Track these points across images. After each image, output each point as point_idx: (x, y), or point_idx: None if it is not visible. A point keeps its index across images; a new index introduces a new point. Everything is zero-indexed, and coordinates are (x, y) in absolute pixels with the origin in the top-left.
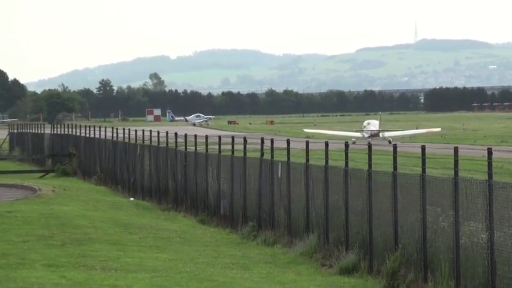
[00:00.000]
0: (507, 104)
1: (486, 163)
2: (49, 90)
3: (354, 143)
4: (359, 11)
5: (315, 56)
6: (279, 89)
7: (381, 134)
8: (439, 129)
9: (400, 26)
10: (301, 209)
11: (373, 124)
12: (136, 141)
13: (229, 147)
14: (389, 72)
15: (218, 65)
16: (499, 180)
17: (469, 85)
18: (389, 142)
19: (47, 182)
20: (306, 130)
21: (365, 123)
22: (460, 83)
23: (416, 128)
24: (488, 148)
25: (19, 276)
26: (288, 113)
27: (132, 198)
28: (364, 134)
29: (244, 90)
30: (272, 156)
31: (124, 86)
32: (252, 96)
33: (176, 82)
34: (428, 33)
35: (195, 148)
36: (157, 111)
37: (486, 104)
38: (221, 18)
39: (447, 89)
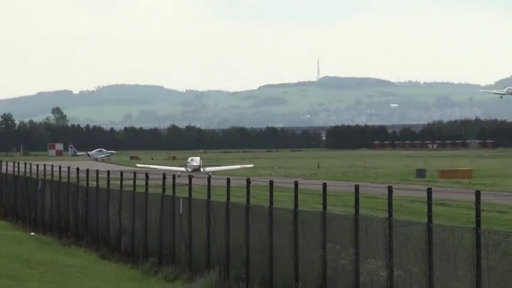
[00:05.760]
0: (408, 142)
1: (387, 201)
2: None
3: (179, 176)
4: (262, 48)
5: (218, 93)
6: (182, 124)
7: (201, 169)
8: (252, 165)
9: (302, 63)
10: (203, 245)
11: (195, 160)
12: (37, 176)
13: (131, 182)
14: (292, 110)
15: (121, 100)
16: (399, 219)
17: (370, 123)
18: (210, 176)
19: None
20: (138, 165)
21: (189, 159)
22: (361, 120)
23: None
24: (388, 186)
25: None
26: (190, 149)
27: (32, 233)
28: (188, 168)
29: (146, 125)
30: (174, 192)
31: (26, 121)
32: (155, 131)
33: (79, 117)
34: (331, 70)
35: (97, 183)
36: (59, 146)
37: (387, 142)
38: (124, 53)
39: (349, 126)
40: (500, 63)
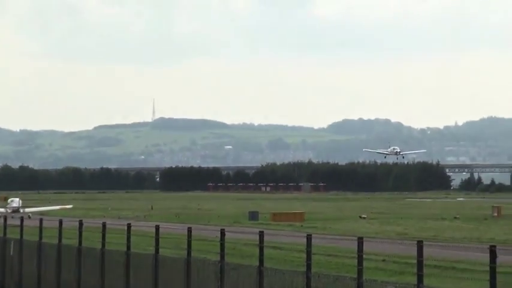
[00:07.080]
0: (241, 184)
1: (219, 244)
2: None
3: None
4: (97, 88)
5: (52, 132)
6: (15, 164)
7: (21, 210)
8: (71, 206)
9: (137, 104)
10: (33, 286)
11: (15, 202)
12: None
13: None
14: (126, 150)
15: None
16: (231, 261)
17: (205, 165)
18: (29, 217)
19: None
20: None
21: (9, 200)
22: (196, 162)
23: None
24: (221, 229)
25: None
26: (23, 189)
27: None
28: (8, 209)
29: None
30: (5, 234)
31: None
32: None
33: None
34: (166, 112)
35: None
36: None
37: (221, 184)
38: None
39: (183, 168)
40: (333, 107)
